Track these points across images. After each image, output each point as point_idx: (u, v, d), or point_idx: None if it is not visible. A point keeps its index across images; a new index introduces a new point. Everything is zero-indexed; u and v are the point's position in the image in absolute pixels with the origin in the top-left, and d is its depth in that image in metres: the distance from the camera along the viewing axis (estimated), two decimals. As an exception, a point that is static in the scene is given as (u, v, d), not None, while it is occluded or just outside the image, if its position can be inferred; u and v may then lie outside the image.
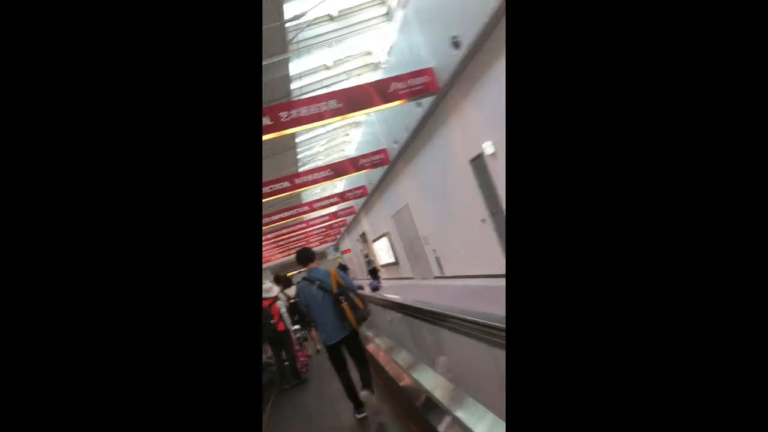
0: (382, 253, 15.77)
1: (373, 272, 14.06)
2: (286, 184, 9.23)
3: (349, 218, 19.12)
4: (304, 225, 16.29)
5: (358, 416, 2.93)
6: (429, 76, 6.47)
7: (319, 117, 6.01)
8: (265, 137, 5.87)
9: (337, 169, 9.75)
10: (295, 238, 18.96)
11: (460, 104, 6.57)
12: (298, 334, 5.39)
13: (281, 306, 4.84)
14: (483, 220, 6.91)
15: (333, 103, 6.06)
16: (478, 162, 6.58)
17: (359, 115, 7.41)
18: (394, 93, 6.28)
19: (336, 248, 29.79)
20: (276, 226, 14.41)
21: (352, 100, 6.13)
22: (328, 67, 9.77)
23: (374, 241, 16.47)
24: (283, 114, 5.86)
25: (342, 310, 2.83)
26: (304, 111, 5.97)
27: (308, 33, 7.99)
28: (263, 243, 16.39)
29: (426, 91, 6.48)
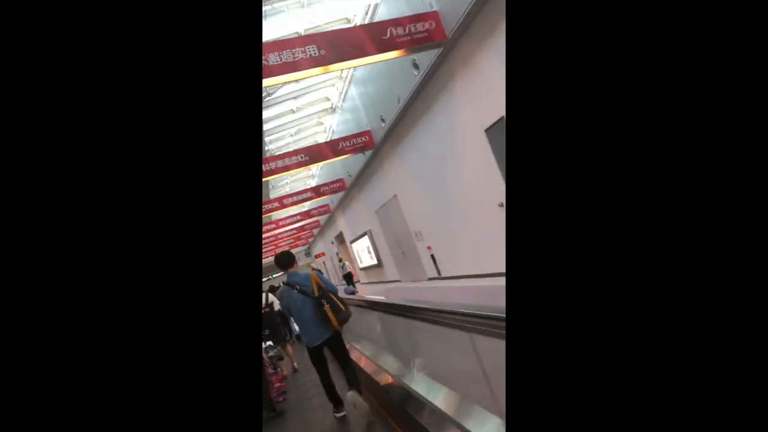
0: (363, 254, 14.11)
1: (348, 277, 13.54)
2: None
3: (323, 218, 17.62)
4: (273, 226, 14.61)
5: (337, 415, 2.96)
6: (434, 20, 5.11)
7: (293, 67, 4.52)
8: None
9: (312, 154, 8.23)
10: (264, 241, 17.11)
11: (473, 57, 5.25)
12: (271, 353, 4.30)
13: None
14: (501, 205, 5.59)
15: (313, 50, 4.58)
16: (496, 130, 5.27)
17: (346, 67, 5.92)
18: (390, 41, 4.87)
19: (307, 253, 28.22)
20: None
21: (337, 47, 4.68)
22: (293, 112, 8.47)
23: (353, 241, 14.82)
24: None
25: (324, 313, 2.85)
26: (273, 59, 4.45)
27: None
28: None
29: (429, 41, 5.11)
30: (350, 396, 2.75)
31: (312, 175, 16.59)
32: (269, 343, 4.52)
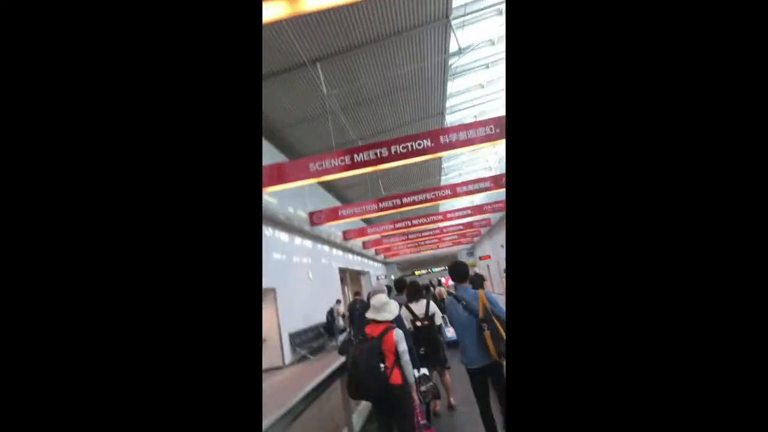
0: None
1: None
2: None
3: (494, 216, 15.96)
4: (439, 216, 14.48)
5: None
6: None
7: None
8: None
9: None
10: (427, 240, 19.27)
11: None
12: (424, 387, 2.72)
13: (399, 339, 2.43)
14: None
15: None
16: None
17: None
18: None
19: (470, 253, 26.47)
20: (411, 231, 15.03)
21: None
22: (482, 87, 9.93)
23: None
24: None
25: (483, 338, 2.56)
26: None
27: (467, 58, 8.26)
28: (399, 240, 16.61)
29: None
30: None
31: (489, 167, 16.19)
32: (423, 371, 2.76)
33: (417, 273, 28.39)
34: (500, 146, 13.19)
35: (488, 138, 6.17)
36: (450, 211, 13.77)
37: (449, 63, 8.02)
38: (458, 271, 2.89)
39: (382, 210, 9.67)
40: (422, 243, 18.86)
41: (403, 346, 2.41)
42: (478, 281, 10.08)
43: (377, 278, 20.35)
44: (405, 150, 6.10)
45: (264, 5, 2.68)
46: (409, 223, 13.11)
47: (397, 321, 2.81)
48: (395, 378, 2.37)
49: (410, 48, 7.11)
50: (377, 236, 15.01)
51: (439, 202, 9.85)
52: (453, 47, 7.39)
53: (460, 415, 3.55)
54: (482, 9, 7.21)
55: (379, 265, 23.36)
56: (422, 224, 13.16)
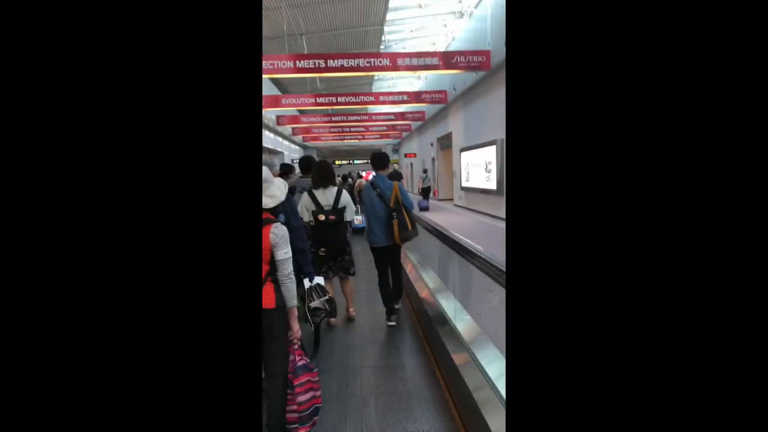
0: (474, 170, 10.56)
1: (426, 191, 12.62)
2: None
3: (415, 124, 17.28)
4: (365, 117, 14.91)
5: (388, 324, 3.15)
6: None
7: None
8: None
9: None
10: (353, 127, 17.41)
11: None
12: (317, 302, 2.28)
13: (278, 240, 1.65)
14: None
15: None
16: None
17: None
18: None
19: (396, 149, 25.27)
20: (336, 109, 13.28)
21: None
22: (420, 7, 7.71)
23: (465, 149, 11.07)
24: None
25: (391, 226, 2.95)
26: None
27: None
28: (320, 121, 15.19)
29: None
30: (387, 323, 3.13)
31: (418, 77, 16.19)
32: (318, 280, 2.39)
33: (338, 163, 26.29)
34: (454, 23, 11.60)
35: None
36: (381, 93, 12.30)
37: None
38: (379, 159, 3.15)
39: (300, 71, 7.66)
40: (347, 130, 17.23)
41: (282, 252, 1.68)
42: (395, 176, 9.86)
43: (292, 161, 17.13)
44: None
45: None
46: (334, 99, 11.06)
47: (286, 211, 2.32)
48: (266, 298, 1.67)
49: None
50: (306, 125, 15.23)
51: (366, 106, 10.88)
52: None
53: (357, 331, 3.19)
54: None
55: (296, 147, 20.41)
56: (350, 103, 11.21)
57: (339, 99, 11.11)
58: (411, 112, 14.54)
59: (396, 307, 3.23)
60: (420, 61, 8.01)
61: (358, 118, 15.64)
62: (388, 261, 3.16)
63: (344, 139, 19.20)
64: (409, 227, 2.97)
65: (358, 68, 7.82)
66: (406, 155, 20.86)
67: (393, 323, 3.14)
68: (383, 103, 11.90)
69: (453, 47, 11.37)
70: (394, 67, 8.04)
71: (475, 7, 9.75)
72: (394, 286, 3.22)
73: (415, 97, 11.93)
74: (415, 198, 12.12)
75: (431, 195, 13.68)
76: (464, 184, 11.51)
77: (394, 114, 15.25)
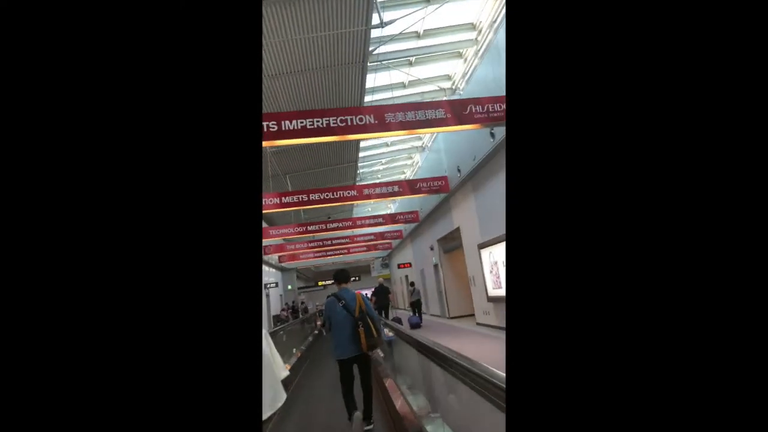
0: (486, 271, 8.35)
1: (417, 305, 11.61)
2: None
3: (407, 228, 15.80)
4: (345, 250, 15.76)
5: (352, 421, 3.12)
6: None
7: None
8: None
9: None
10: (337, 243, 16.51)
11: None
12: None
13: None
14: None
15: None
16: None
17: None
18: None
19: (385, 263, 23.08)
20: (320, 236, 14.23)
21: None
22: (404, 86, 9.63)
23: (485, 246, 8.34)
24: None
25: (357, 334, 3.10)
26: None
27: (390, 47, 7.87)
28: (303, 246, 15.31)
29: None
30: (356, 415, 3.08)
31: (392, 203, 17.71)
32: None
33: (320, 284, 23.34)
34: (417, 156, 13.53)
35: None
36: (362, 218, 13.32)
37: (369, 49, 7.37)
38: (341, 276, 3.50)
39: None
40: (329, 245, 16.18)
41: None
42: (383, 292, 10.05)
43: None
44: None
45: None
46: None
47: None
48: None
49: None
50: (279, 239, 14.33)
51: (354, 204, 10.22)
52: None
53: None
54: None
55: (272, 270, 17.50)
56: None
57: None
58: (402, 213, 12.78)
59: (367, 428, 3.10)
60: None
61: (342, 234, 15.02)
62: (353, 371, 3.21)
63: (327, 255, 17.76)
64: (375, 334, 3.12)
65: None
66: (399, 266, 18.34)
67: (370, 427, 3.08)
68: (362, 226, 12.98)
69: (419, 174, 13.03)
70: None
71: (432, 141, 11.62)
72: (364, 401, 3.19)
73: (391, 218, 13.17)
74: (403, 314, 12.00)
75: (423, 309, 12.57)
76: (492, 292, 8.29)
77: (383, 219, 15.58)
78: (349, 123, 5.59)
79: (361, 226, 12.81)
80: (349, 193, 9.11)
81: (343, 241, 15.44)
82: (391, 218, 13.13)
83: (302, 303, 18.75)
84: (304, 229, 11.94)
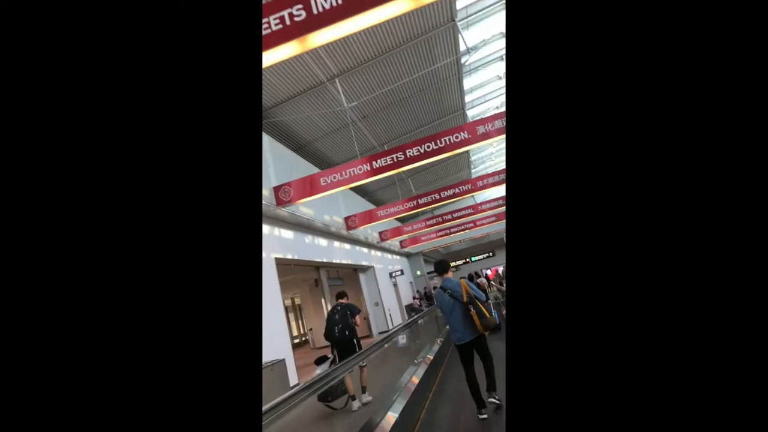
0: None
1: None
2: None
3: None
4: (470, 210, 14.03)
5: (480, 417, 3.12)
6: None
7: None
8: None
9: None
10: (461, 225, 15.24)
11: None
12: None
13: None
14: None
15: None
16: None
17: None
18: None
19: None
20: (445, 225, 14.76)
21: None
22: (499, 78, 10.06)
23: None
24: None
25: (471, 318, 3.22)
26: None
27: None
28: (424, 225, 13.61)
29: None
30: (490, 400, 3.16)
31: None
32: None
33: (452, 265, 17.37)
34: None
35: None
36: (483, 203, 13.52)
37: (462, 61, 8.30)
38: (440, 267, 3.54)
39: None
40: (452, 226, 15.18)
41: None
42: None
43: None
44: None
45: (275, 47, 2.94)
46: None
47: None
48: None
49: (421, 53, 7.49)
50: (412, 234, 14.43)
51: (474, 194, 9.95)
52: (463, 47, 7.70)
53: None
54: (485, 8, 7.48)
55: (395, 257, 16.67)
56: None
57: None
58: None
59: (495, 400, 3.18)
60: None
61: (464, 213, 13.52)
62: (473, 355, 3.31)
63: (450, 232, 16.16)
64: (487, 315, 3.21)
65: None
66: None
67: (494, 402, 3.14)
68: (485, 187, 10.33)
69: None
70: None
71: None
72: (487, 376, 3.28)
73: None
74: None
75: None
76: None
77: (495, 216, 15.36)
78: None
79: (483, 187, 10.20)
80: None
81: (465, 212, 13.42)
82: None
83: (435, 288, 15.70)
84: (415, 203, 9.88)
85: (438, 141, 6.67)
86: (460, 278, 3.56)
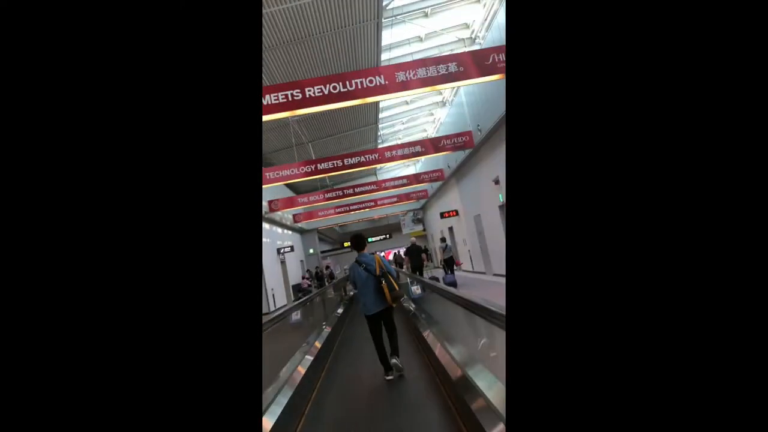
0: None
1: (449, 262, 10.80)
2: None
3: (432, 187, 14.83)
4: (372, 203, 15.43)
5: (387, 378, 3.51)
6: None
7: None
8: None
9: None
10: (363, 203, 14.87)
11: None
12: None
13: None
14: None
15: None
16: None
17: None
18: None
19: (418, 218, 20.34)
20: (344, 201, 14.03)
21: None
22: (421, 40, 9.27)
23: None
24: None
25: (381, 290, 3.48)
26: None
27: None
28: (333, 210, 14.30)
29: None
30: (393, 362, 3.49)
31: (417, 161, 17.23)
32: None
33: (347, 245, 19.93)
34: (439, 112, 13.17)
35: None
36: (386, 180, 12.90)
37: (383, 4, 7.07)
38: (357, 242, 3.80)
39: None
40: (353, 204, 14.69)
41: None
42: (416, 252, 9.51)
43: None
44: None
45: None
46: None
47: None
48: None
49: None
50: (308, 207, 13.60)
51: (377, 166, 9.42)
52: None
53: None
54: None
55: (286, 232, 15.65)
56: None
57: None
58: (448, 137, 10.13)
59: (397, 362, 3.47)
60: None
61: (366, 189, 12.78)
62: (381, 325, 3.60)
63: (350, 210, 15.31)
64: (396, 287, 3.52)
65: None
66: (443, 215, 14.02)
67: (397, 365, 3.43)
68: (393, 159, 10.39)
69: (441, 131, 12.76)
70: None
71: (454, 95, 11.27)
72: (391, 343, 3.57)
73: (415, 178, 13.06)
74: (438, 273, 11.46)
75: (455, 266, 11.51)
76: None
77: (399, 196, 15.19)
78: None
79: (391, 159, 9.83)
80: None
81: (368, 188, 12.66)
82: (415, 178, 13.06)
83: (327, 268, 16.25)
84: (313, 168, 9.41)
85: (348, 83, 5.41)
86: (372, 253, 3.79)
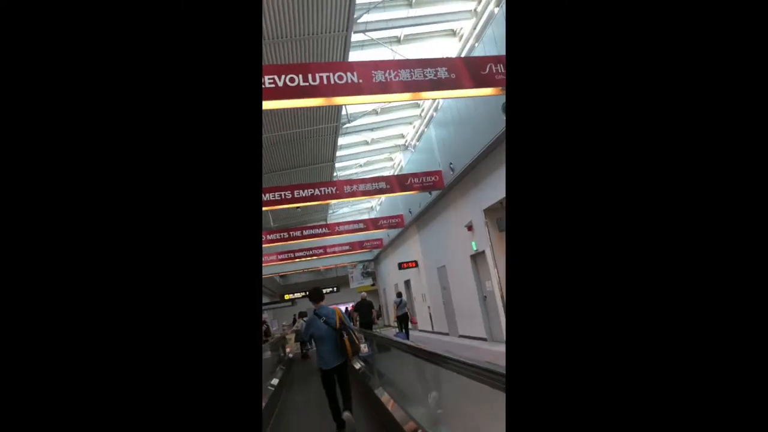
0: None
1: (404, 319, 10.02)
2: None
3: (389, 235, 13.66)
4: (320, 251, 14.06)
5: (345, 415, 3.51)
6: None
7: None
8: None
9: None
10: (310, 251, 13.79)
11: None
12: None
13: None
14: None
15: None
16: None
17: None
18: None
19: (367, 272, 18.78)
20: (289, 245, 12.49)
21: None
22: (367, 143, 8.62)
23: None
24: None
25: (343, 344, 3.47)
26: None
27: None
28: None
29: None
30: (345, 416, 3.49)
31: (372, 207, 16.38)
32: None
33: (287, 296, 18.26)
34: (398, 156, 12.27)
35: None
36: (339, 223, 11.74)
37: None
38: (316, 294, 3.76)
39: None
40: (299, 251, 13.66)
41: None
42: (366, 308, 8.75)
43: None
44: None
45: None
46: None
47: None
48: None
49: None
50: None
51: (331, 201, 9.26)
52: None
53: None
54: None
55: None
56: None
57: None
58: (369, 240, 12.63)
59: (349, 416, 3.45)
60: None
61: (318, 230, 11.81)
62: (336, 380, 3.56)
63: (295, 258, 13.99)
64: (356, 341, 3.56)
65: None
66: (402, 266, 12.12)
67: (350, 418, 3.43)
68: (340, 233, 11.50)
69: (406, 172, 11.78)
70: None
71: (418, 140, 10.46)
72: (344, 396, 3.57)
73: (372, 224, 11.80)
74: (391, 332, 10.46)
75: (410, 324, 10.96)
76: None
77: (350, 244, 14.30)
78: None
79: (341, 233, 11.11)
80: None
81: (319, 230, 11.81)
82: (373, 223, 11.78)
83: (263, 324, 14.52)
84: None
85: (311, 76, 4.21)
86: (332, 306, 3.74)
